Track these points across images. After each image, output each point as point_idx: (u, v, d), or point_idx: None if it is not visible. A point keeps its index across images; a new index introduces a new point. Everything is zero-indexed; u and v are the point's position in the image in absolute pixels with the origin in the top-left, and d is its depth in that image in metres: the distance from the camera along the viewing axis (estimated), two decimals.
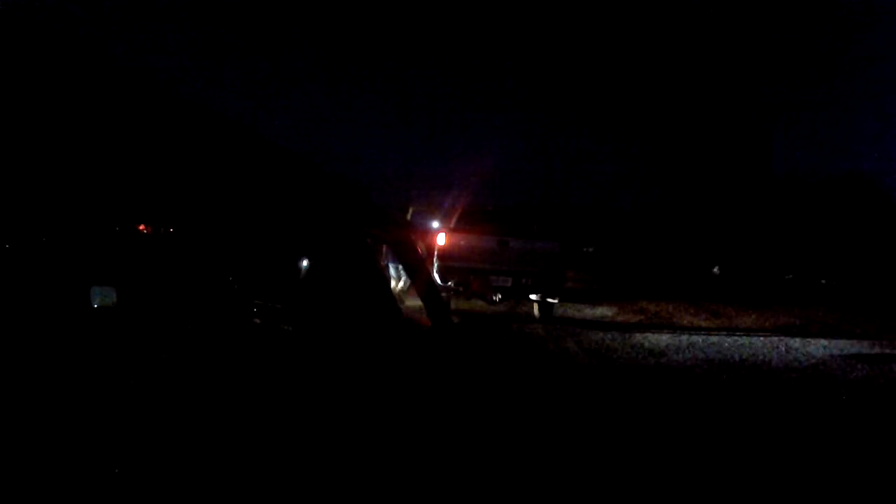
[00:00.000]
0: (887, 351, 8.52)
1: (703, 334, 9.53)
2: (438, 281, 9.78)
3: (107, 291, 1.66)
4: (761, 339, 9.33)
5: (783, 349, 8.36)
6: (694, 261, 31.04)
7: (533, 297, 10.25)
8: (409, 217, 13.17)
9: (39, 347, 1.57)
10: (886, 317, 12.62)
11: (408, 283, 8.88)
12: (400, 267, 9.41)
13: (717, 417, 4.86)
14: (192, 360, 1.78)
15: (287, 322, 2.44)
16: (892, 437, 4.59)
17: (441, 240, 10.23)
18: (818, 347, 8.52)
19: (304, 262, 2.69)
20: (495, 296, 10.24)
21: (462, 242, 10.17)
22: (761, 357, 7.71)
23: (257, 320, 2.35)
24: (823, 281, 25.47)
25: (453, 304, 10.11)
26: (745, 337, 9.50)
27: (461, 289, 10.16)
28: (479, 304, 10.70)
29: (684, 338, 9.04)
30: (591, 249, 33.58)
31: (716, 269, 30.14)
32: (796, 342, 8.96)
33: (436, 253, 10.13)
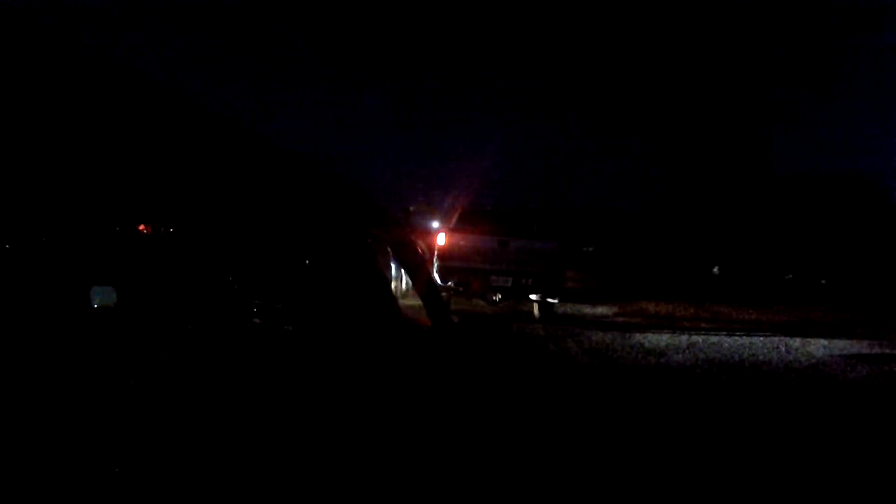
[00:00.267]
0: (887, 351, 8.52)
1: (703, 334, 9.53)
2: (438, 281, 9.79)
3: (107, 291, 1.66)
4: (761, 339, 9.33)
5: (783, 349, 8.36)
6: (694, 261, 31.03)
7: (533, 297, 10.25)
8: (409, 217, 13.17)
9: (39, 347, 1.57)
10: (886, 317, 12.62)
11: (409, 284, 8.89)
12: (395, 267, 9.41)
13: (717, 417, 4.86)
14: (192, 360, 1.78)
15: (287, 322, 2.44)
16: (892, 437, 4.59)
17: (441, 240, 10.24)
18: (818, 347, 8.52)
19: (305, 262, 2.69)
20: (495, 296, 10.25)
21: (462, 242, 10.18)
22: (761, 357, 7.71)
23: (257, 320, 2.35)
24: (823, 281, 25.47)
25: (453, 304, 10.12)
26: (745, 337, 9.50)
27: (461, 289, 10.17)
28: (479, 304, 10.70)
29: (684, 338, 9.04)
30: (591, 249, 33.57)
31: (716, 269, 30.14)
32: (796, 342, 8.95)
33: (436, 253, 10.14)
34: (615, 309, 12.48)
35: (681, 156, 40.33)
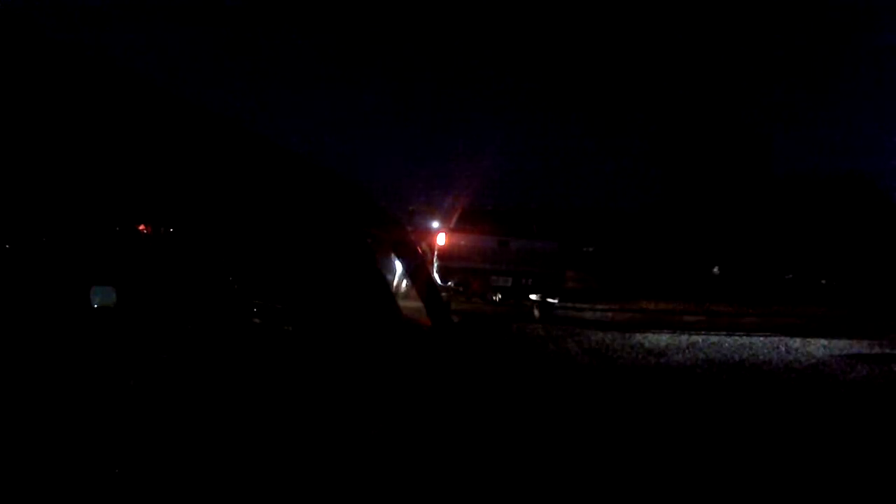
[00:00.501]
0: (887, 351, 8.52)
1: (703, 334, 9.53)
2: (438, 281, 9.78)
3: (107, 291, 1.66)
4: (761, 339, 9.33)
5: (783, 349, 8.36)
6: (694, 261, 31.01)
7: (533, 297, 10.25)
8: (409, 217, 13.17)
9: (39, 347, 1.57)
10: (886, 317, 12.62)
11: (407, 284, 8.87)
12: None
13: (717, 417, 4.86)
14: (192, 360, 1.78)
15: (287, 322, 2.44)
16: (892, 437, 4.59)
17: (441, 240, 10.24)
18: (818, 347, 8.52)
19: (305, 263, 2.69)
20: (495, 296, 10.25)
21: (462, 242, 10.18)
22: (761, 357, 7.71)
23: (257, 320, 2.35)
24: (823, 281, 25.47)
25: (453, 304, 10.11)
26: (745, 337, 9.50)
27: (461, 289, 10.17)
28: (479, 304, 10.70)
29: (684, 338, 9.04)
30: (591, 249, 33.55)
31: (716, 269, 30.13)
32: (796, 342, 8.95)
33: (436, 253, 10.14)
34: (615, 309, 12.48)
35: (681, 156, 40.32)
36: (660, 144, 42.11)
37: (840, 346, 8.74)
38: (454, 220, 10.59)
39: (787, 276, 27.36)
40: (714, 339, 9.11)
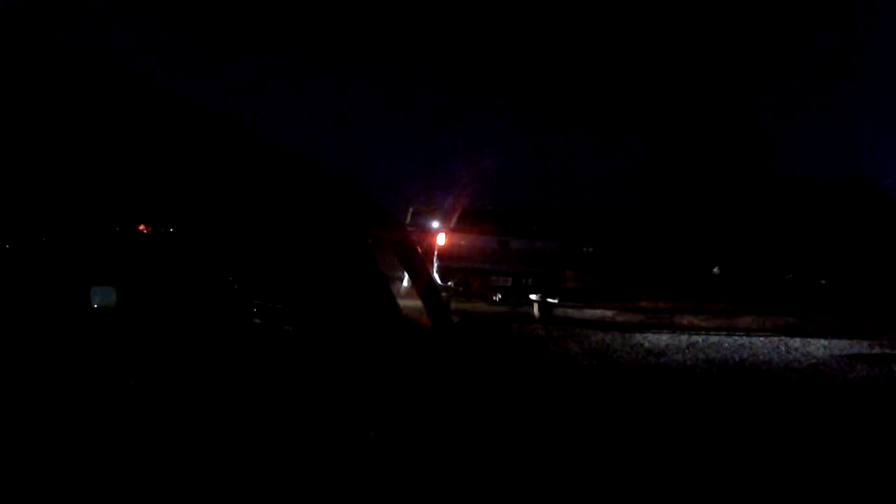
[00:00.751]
0: (887, 351, 8.52)
1: (703, 334, 9.53)
2: (438, 281, 9.79)
3: (107, 291, 1.66)
4: (761, 339, 9.33)
5: (783, 349, 8.36)
6: (694, 261, 31.01)
7: (533, 297, 10.25)
8: (409, 217, 13.18)
9: (39, 347, 1.57)
10: (886, 317, 12.62)
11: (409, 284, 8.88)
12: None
13: (717, 417, 4.86)
14: (193, 360, 1.78)
15: (287, 322, 2.44)
16: (893, 437, 4.59)
17: (441, 240, 10.24)
18: (818, 347, 8.52)
19: (304, 263, 2.68)
20: (495, 296, 10.25)
21: (462, 242, 10.18)
22: (761, 357, 7.71)
23: (257, 320, 2.35)
24: (823, 281, 25.47)
25: (453, 304, 10.11)
26: (745, 337, 9.50)
27: (461, 289, 10.17)
28: (479, 304, 10.70)
29: (684, 338, 9.04)
30: (591, 249, 33.54)
31: (716, 270, 30.13)
32: (796, 342, 8.96)
33: (436, 253, 10.14)
34: (615, 309, 12.48)
35: (681, 156, 40.30)
36: (659, 145, 42.08)
37: (840, 346, 8.74)
38: (454, 220, 10.59)
39: (787, 276, 27.36)
40: (714, 339, 9.11)
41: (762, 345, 8.70)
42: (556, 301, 10.34)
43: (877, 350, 8.59)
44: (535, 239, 10.30)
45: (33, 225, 1.80)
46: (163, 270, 2.05)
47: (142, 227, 2.07)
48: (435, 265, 10.00)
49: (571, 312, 11.51)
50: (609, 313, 11.93)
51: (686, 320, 11.36)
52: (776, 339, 9.32)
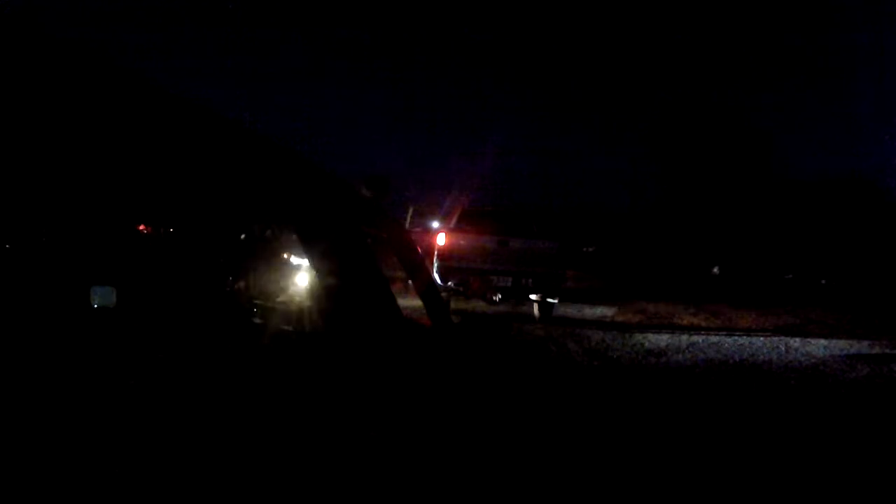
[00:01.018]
0: (887, 351, 8.52)
1: (703, 334, 9.53)
2: (438, 281, 9.78)
3: (107, 291, 1.66)
4: (761, 339, 9.33)
5: (783, 349, 8.36)
6: (694, 261, 31.02)
7: (533, 297, 10.25)
8: (409, 217, 13.17)
9: (39, 347, 1.57)
10: (886, 317, 12.62)
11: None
12: None
13: (717, 417, 4.86)
14: (192, 360, 1.78)
15: (287, 322, 2.44)
16: (893, 437, 4.59)
17: (441, 240, 10.23)
18: (818, 347, 8.52)
19: (304, 262, 2.69)
20: (495, 296, 10.25)
21: (462, 242, 10.18)
22: (761, 357, 7.71)
23: (257, 320, 2.35)
24: (823, 281, 25.47)
25: (453, 304, 10.11)
26: (745, 337, 9.50)
27: (461, 289, 10.16)
28: (479, 304, 10.70)
29: (684, 338, 9.04)
30: (591, 249, 33.55)
31: (716, 269, 30.14)
32: (796, 342, 8.96)
33: (436, 253, 10.13)
34: (615, 309, 12.48)
35: (680, 156, 40.29)
36: (659, 144, 42.06)
37: (840, 346, 8.74)
38: (454, 220, 10.59)
39: (787, 276, 27.36)
40: (714, 339, 9.11)
41: (762, 345, 8.70)
42: (556, 301, 10.34)
43: (877, 350, 8.59)
44: (535, 239, 10.30)
45: (33, 225, 1.80)
46: (163, 270, 2.05)
47: (142, 227, 2.07)
48: (435, 265, 10.00)
49: (571, 312, 11.51)
50: (609, 313, 11.93)
51: (686, 320, 11.36)
52: (776, 339, 9.32)
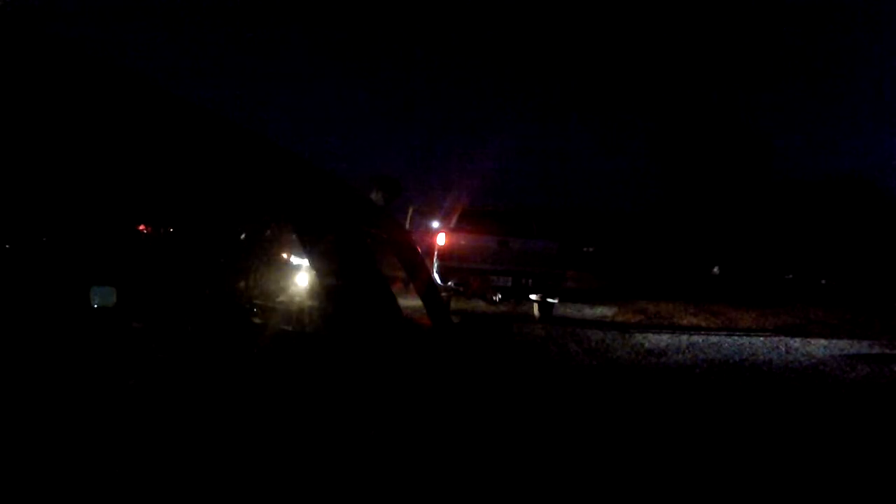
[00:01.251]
0: (887, 351, 8.53)
1: (703, 334, 9.54)
2: (438, 281, 9.78)
3: (107, 291, 1.66)
4: (761, 339, 9.33)
5: (783, 349, 8.36)
6: (694, 261, 31.03)
7: (533, 297, 10.25)
8: (409, 217, 13.17)
9: (39, 347, 1.57)
10: (886, 317, 12.63)
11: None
12: None
13: (717, 417, 4.86)
14: (192, 360, 1.78)
15: (287, 322, 2.44)
16: (893, 437, 4.59)
17: (441, 240, 10.23)
18: (818, 347, 8.52)
19: (304, 262, 2.69)
20: (495, 296, 10.25)
21: (462, 242, 10.18)
22: (761, 357, 7.71)
23: (257, 320, 2.35)
24: (823, 281, 25.48)
25: (453, 304, 10.11)
26: (745, 337, 9.50)
27: (461, 289, 10.17)
28: (479, 304, 10.70)
29: (684, 338, 9.04)
30: (591, 249, 33.56)
31: (716, 269, 30.14)
32: (796, 342, 8.96)
33: (436, 253, 10.13)
34: (615, 309, 12.48)
35: (681, 156, 40.29)
36: (660, 145, 42.06)
37: (840, 346, 8.74)
38: (454, 220, 10.59)
39: (787, 276, 27.37)
40: (714, 339, 9.11)
41: (762, 345, 8.70)
42: (556, 301, 10.34)
43: (877, 350, 8.59)
44: (535, 239, 10.30)
45: (33, 225, 1.80)
46: (163, 270, 2.05)
47: (142, 227, 2.07)
48: (435, 265, 10.00)
49: (571, 312, 11.51)
50: (609, 313, 11.93)
51: (686, 320, 11.36)
52: (776, 339, 9.32)
